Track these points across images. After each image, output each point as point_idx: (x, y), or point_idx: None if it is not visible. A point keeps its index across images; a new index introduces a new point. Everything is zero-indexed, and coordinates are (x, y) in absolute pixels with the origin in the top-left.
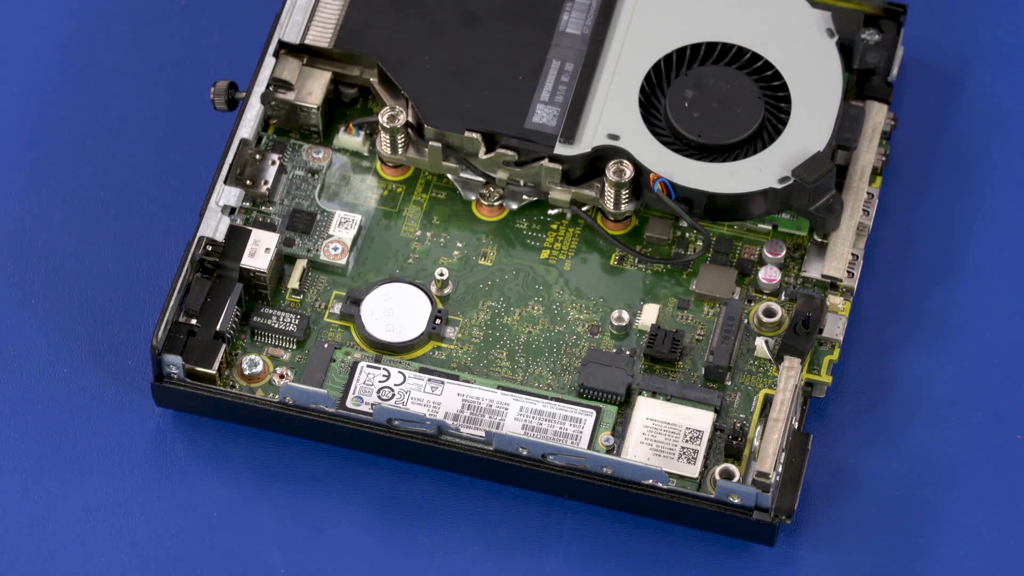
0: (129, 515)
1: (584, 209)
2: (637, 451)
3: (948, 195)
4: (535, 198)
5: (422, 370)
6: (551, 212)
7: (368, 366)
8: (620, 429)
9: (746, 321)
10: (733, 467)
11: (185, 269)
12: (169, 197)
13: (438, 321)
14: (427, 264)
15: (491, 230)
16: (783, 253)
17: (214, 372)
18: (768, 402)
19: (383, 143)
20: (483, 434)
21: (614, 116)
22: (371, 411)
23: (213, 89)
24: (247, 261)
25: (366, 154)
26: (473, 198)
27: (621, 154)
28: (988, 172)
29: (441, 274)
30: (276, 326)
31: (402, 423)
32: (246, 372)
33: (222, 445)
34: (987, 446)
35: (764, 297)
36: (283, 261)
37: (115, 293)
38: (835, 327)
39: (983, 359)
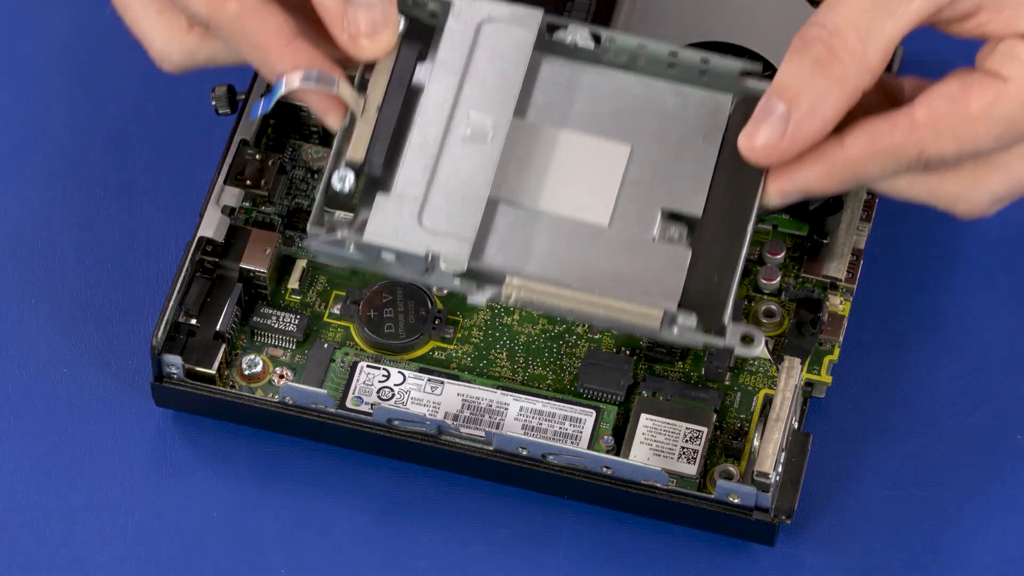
0: (129, 515)
1: None
2: (637, 451)
3: None
4: None
5: (422, 370)
6: None
7: (368, 366)
8: (620, 429)
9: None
10: (733, 467)
11: (185, 269)
12: (169, 197)
13: (438, 321)
14: None
15: None
16: (783, 253)
17: (214, 372)
18: (768, 402)
19: None
20: (483, 434)
21: None
22: (371, 411)
23: (213, 95)
24: (247, 261)
25: None
26: None
27: None
28: None
29: None
30: (276, 326)
31: (402, 423)
32: (246, 372)
33: (222, 445)
34: (987, 446)
35: (764, 297)
36: (283, 261)
37: (115, 293)
38: (835, 327)
39: (983, 359)
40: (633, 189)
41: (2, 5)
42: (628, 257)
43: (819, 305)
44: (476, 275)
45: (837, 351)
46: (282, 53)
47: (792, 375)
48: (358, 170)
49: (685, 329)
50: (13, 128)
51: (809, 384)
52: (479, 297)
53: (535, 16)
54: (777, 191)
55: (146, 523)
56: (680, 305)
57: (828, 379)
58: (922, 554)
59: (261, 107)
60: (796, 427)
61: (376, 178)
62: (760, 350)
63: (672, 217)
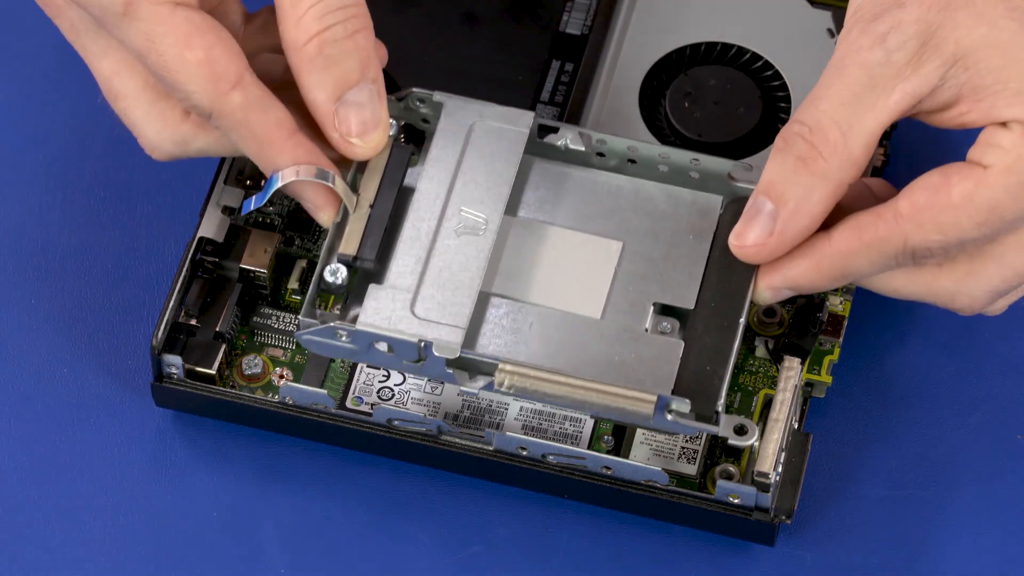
0: (129, 515)
1: None
2: (637, 451)
3: None
4: None
5: None
6: None
7: (368, 366)
8: (620, 429)
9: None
10: (733, 467)
11: (185, 269)
12: (169, 197)
13: None
14: None
15: None
16: None
17: (214, 372)
18: (768, 402)
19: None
20: (483, 434)
21: (614, 116)
22: (371, 411)
23: None
24: (247, 261)
25: None
26: None
27: None
28: None
29: None
30: (276, 326)
31: (402, 423)
32: (246, 372)
33: (222, 445)
34: (987, 446)
35: None
36: (283, 261)
37: (115, 293)
38: (835, 327)
39: (983, 359)
40: (625, 284)
41: (2, 5)
42: (620, 347)
43: (819, 305)
44: (469, 365)
45: (837, 351)
46: (283, 146)
47: (792, 375)
48: (350, 264)
49: (679, 415)
50: (13, 128)
51: (809, 384)
52: (472, 386)
53: (526, 117)
54: (767, 287)
55: (146, 523)
56: (673, 393)
57: (828, 379)
58: (922, 554)
59: (254, 202)
60: (796, 427)
61: (369, 272)
62: (754, 440)
63: (664, 311)
